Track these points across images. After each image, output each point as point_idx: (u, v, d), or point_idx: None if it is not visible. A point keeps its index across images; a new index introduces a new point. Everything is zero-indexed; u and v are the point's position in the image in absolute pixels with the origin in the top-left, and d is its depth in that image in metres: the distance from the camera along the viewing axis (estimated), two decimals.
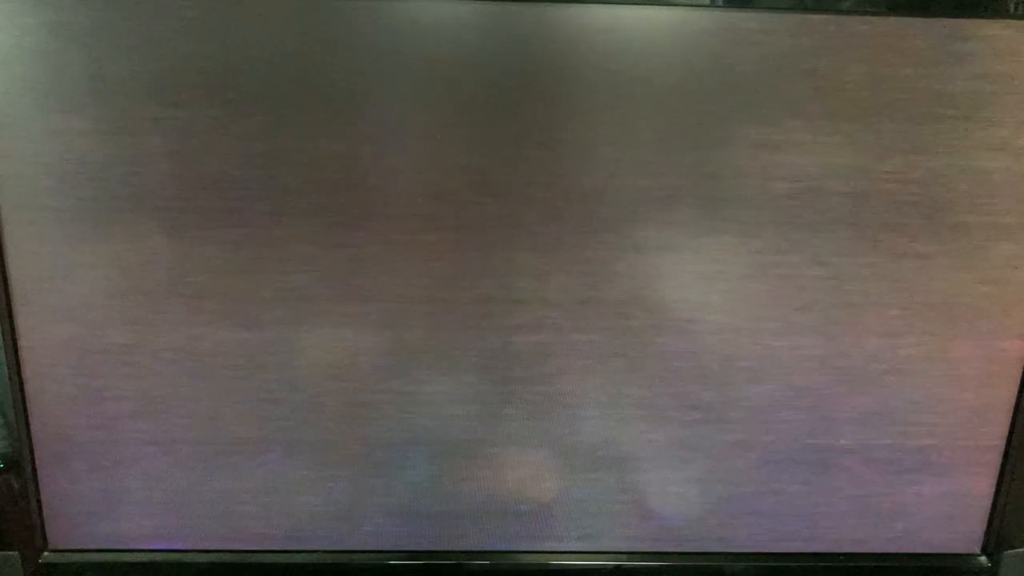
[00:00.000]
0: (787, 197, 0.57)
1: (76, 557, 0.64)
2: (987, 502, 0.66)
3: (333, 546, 0.65)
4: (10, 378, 0.59)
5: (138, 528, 0.64)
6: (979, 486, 0.66)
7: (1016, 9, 0.53)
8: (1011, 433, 0.64)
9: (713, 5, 0.53)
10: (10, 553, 0.63)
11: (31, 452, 0.62)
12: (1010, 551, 0.67)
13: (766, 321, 0.60)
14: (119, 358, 0.59)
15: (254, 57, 0.53)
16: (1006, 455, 0.64)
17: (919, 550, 0.67)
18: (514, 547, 0.66)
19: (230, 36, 0.53)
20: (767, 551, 0.67)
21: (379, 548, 0.65)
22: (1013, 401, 0.63)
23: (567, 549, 0.66)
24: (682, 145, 0.56)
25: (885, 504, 0.66)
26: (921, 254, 0.59)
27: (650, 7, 0.53)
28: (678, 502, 0.65)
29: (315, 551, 0.65)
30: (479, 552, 0.66)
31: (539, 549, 0.66)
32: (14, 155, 0.55)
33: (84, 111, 0.54)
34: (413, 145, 0.55)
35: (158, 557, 0.65)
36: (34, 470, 0.62)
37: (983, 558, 0.67)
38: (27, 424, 0.61)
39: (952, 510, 0.66)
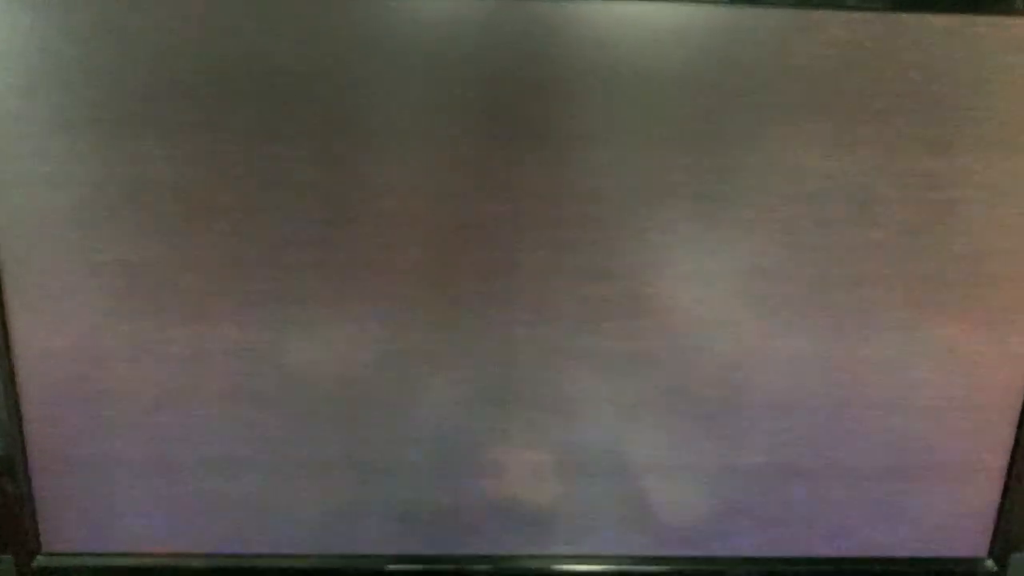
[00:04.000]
0: (789, 196, 0.57)
1: (70, 560, 0.64)
2: (994, 505, 0.66)
3: (332, 550, 0.65)
4: (4, 381, 0.59)
5: (133, 531, 0.64)
6: (985, 489, 0.65)
7: (1021, 4, 0.53)
8: (1017, 435, 0.64)
9: (716, 2, 0.53)
10: (4, 556, 0.63)
11: (25, 455, 0.61)
12: (1017, 554, 0.67)
13: (769, 322, 0.60)
14: (114, 361, 0.59)
15: (253, 56, 0.53)
16: (1012, 458, 0.64)
17: (925, 554, 0.67)
18: (515, 551, 0.66)
19: (229, 35, 0.53)
20: (770, 555, 0.67)
21: (378, 552, 0.65)
22: (1019, 403, 0.63)
23: (569, 553, 0.66)
24: (683, 144, 0.56)
25: (891, 508, 0.65)
26: (922, 252, 0.59)
27: (652, 4, 0.53)
28: (680, 506, 0.65)
29: (314, 555, 0.65)
30: (480, 556, 0.65)
31: (541, 553, 0.66)
32: (11, 156, 0.54)
33: (82, 111, 0.54)
34: (413, 144, 0.55)
35: (152, 561, 0.64)
36: (28, 473, 0.62)
37: (990, 562, 0.67)
38: (21, 427, 0.61)
39: (958, 514, 0.66)
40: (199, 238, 0.56)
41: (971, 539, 0.67)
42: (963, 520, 0.66)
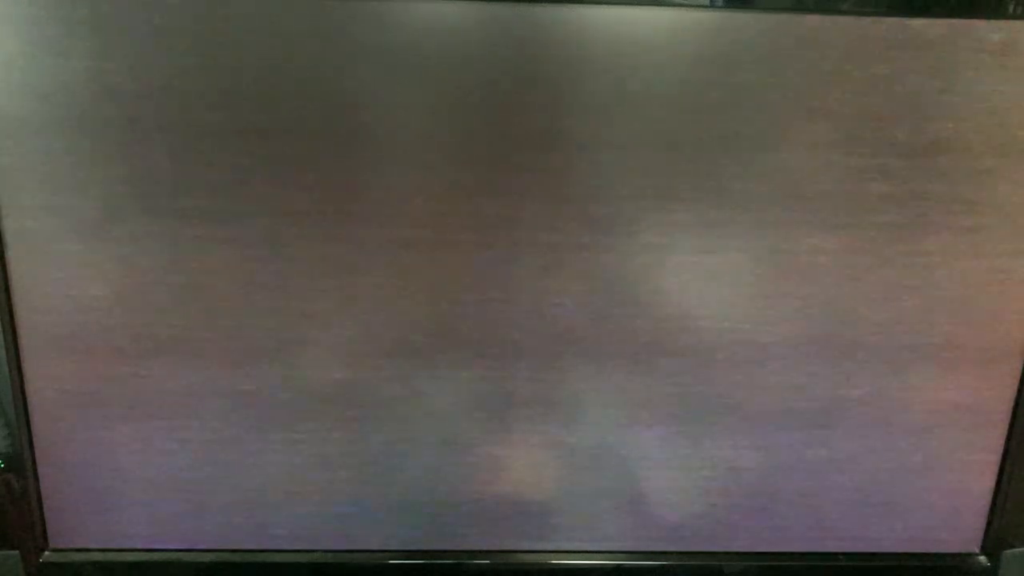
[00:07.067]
0: (788, 196, 0.57)
1: (77, 556, 0.64)
2: (986, 501, 0.66)
3: (333, 545, 0.65)
4: (11, 377, 0.59)
5: (139, 527, 0.64)
6: (978, 485, 0.66)
7: (1016, 10, 0.53)
8: (1010, 432, 0.64)
9: (713, 5, 0.53)
10: (11, 552, 0.63)
11: (32, 451, 0.62)
12: (1009, 551, 0.67)
13: (767, 320, 0.60)
14: (120, 357, 0.59)
15: (254, 57, 0.53)
16: (1005, 454, 0.64)
17: (918, 550, 0.67)
18: (514, 547, 0.66)
19: (230, 37, 0.53)
20: (767, 551, 0.67)
21: (379, 548, 0.65)
22: (1012, 399, 0.63)
23: (567, 548, 0.66)
24: (682, 145, 0.56)
25: (884, 504, 0.66)
26: (920, 252, 0.59)
27: (650, 7, 0.53)
28: (678, 501, 0.65)
29: (315, 551, 0.65)
30: (479, 552, 0.66)
31: (539, 549, 0.66)
32: (15, 153, 0.55)
33: (85, 110, 0.54)
34: (413, 146, 0.55)
35: (159, 556, 0.65)
36: (35, 469, 0.62)
37: (982, 558, 0.67)
38: (28, 423, 0.61)
39: (951, 510, 0.66)
40: (202, 237, 0.57)
41: (964, 535, 0.67)
42: (956, 516, 0.66)
